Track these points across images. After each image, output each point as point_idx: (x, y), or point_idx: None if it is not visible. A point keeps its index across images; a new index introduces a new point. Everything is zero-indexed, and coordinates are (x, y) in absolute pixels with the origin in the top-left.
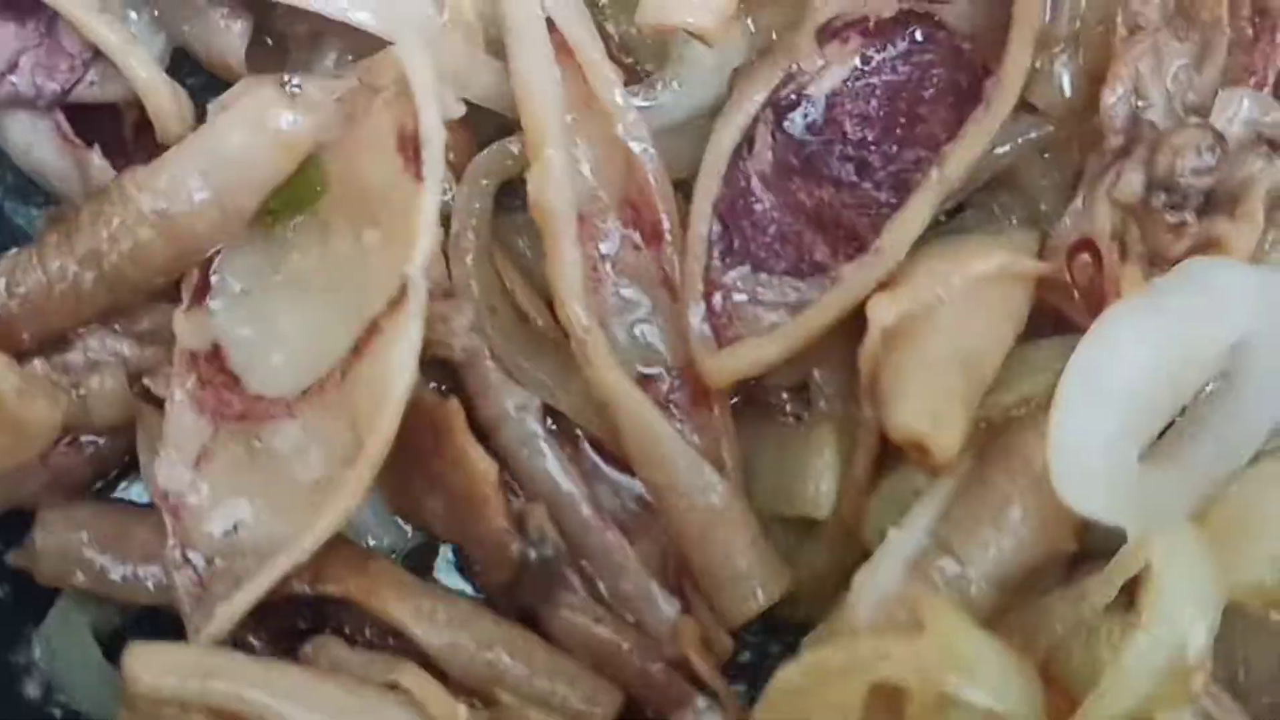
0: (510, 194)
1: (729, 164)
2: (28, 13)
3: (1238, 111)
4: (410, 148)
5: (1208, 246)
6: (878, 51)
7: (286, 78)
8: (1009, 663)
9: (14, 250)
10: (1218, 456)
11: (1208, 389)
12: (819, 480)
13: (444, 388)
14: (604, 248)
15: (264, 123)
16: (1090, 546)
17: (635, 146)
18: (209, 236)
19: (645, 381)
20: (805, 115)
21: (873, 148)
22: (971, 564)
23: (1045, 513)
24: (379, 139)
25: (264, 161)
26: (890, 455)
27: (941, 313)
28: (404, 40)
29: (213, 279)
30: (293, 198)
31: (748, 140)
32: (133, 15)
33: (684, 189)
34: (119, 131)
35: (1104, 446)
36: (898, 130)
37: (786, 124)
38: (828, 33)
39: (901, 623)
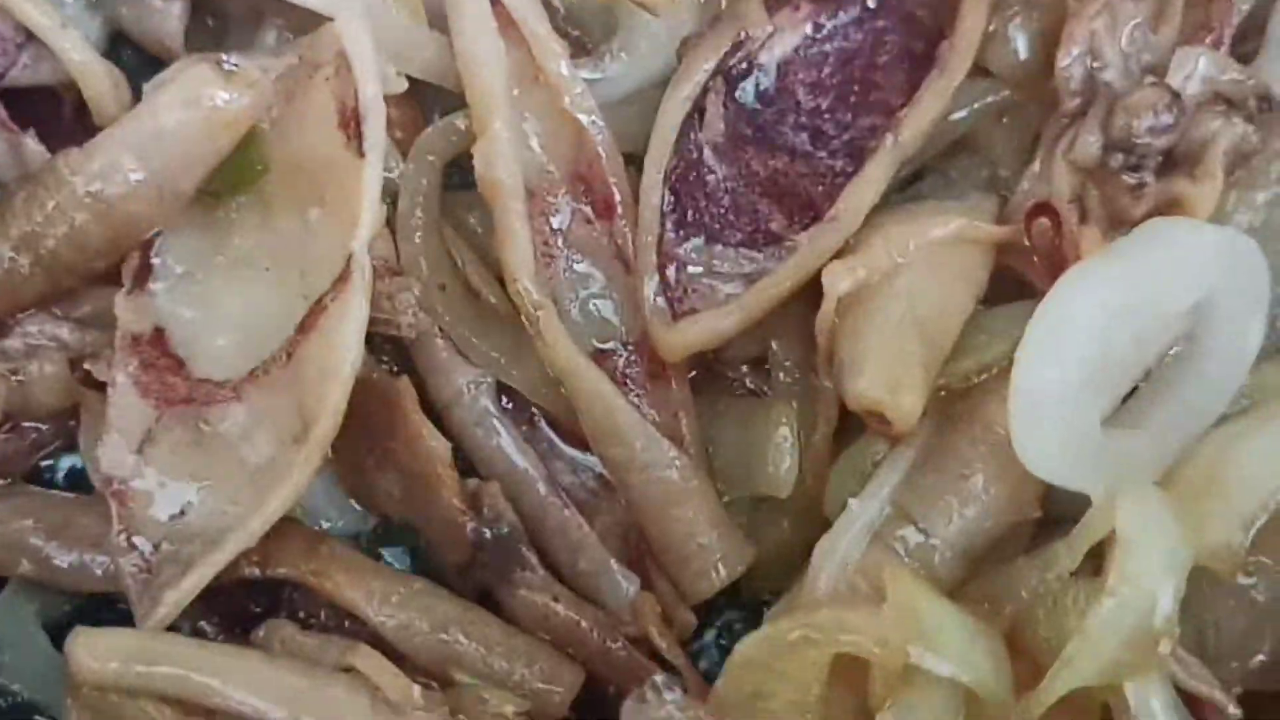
0: (459, 170)
1: (680, 135)
2: None
3: (1194, 70)
4: (352, 123)
5: (1168, 207)
6: (829, 18)
7: (223, 56)
8: (973, 631)
9: None
10: (1183, 419)
11: (1172, 351)
12: (779, 461)
13: (394, 367)
14: (555, 222)
15: (200, 101)
16: (1055, 512)
17: (584, 119)
18: (147, 218)
19: (600, 357)
20: (757, 84)
21: (826, 115)
22: (934, 532)
23: (1008, 479)
24: (320, 116)
25: (201, 141)
26: (851, 425)
27: (899, 279)
28: (344, 15)
29: (154, 261)
30: (233, 177)
31: (699, 110)
32: None
33: (635, 162)
34: (57, 114)
35: (1066, 411)
36: (851, 97)
37: (738, 93)
38: None
39: (863, 593)
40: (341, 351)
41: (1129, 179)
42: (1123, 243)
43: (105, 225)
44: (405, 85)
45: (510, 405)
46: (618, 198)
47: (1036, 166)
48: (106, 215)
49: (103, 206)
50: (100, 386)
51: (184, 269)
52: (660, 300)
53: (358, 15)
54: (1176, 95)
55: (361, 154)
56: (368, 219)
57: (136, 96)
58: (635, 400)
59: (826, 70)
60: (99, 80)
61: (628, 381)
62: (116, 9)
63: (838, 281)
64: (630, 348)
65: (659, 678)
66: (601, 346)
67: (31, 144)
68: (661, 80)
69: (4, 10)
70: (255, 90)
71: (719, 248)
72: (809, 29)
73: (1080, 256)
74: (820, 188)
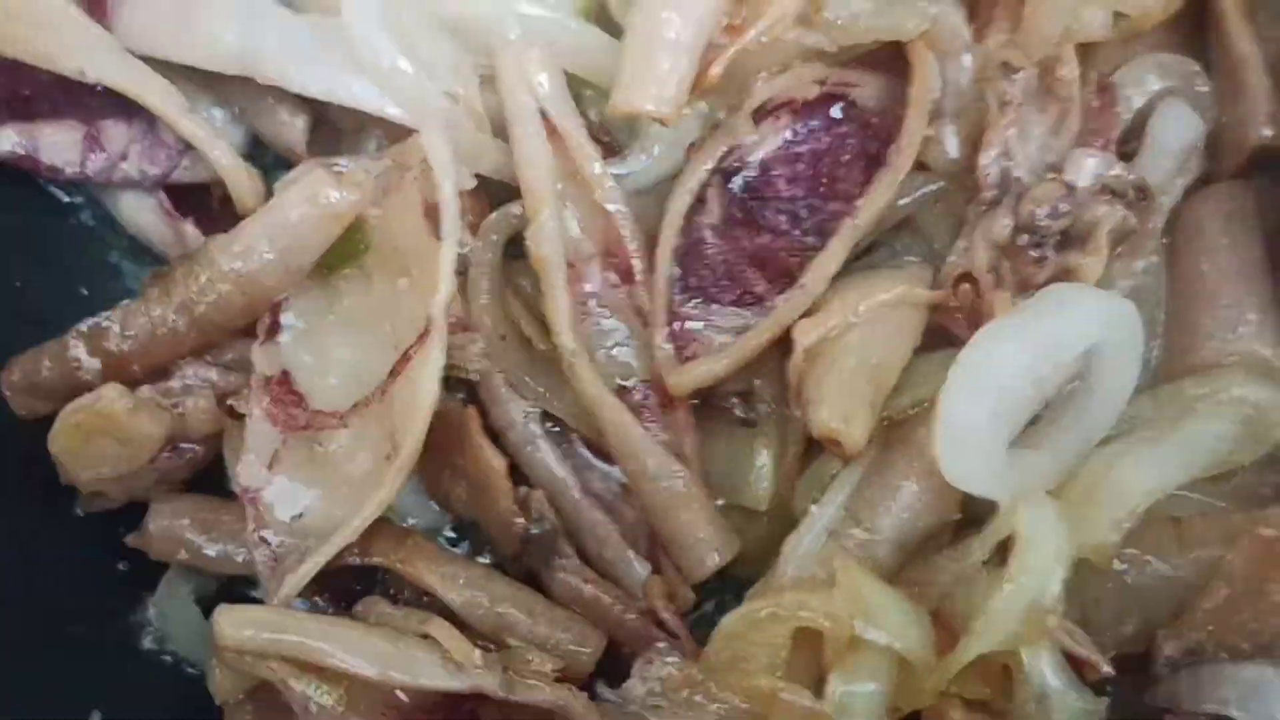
0: (515, 245)
1: (685, 219)
2: (134, 114)
3: (1086, 168)
4: (433, 213)
5: (1064, 275)
6: (803, 126)
7: (336, 161)
8: (906, 609)
9: (126, 301)
10: (1073, 442)
11: (1066, 388)
12: (759, 481)
13: (464, 399)
14: (588, 287)
15: (318, 198)
16: (971, 515)
17: (612, 207)
18: (276, 287)
19: (622, 392)
20: (746, 178)
21: (800, 202)
22: (877, 531)
23: (935, 489)
24: (409, 206)
25: (319, 228)
26: (814, 447)
27: (852, 333)
28: (427, 127)
29: (281, 319)
30: (342, 254)
31: (700, 199)
32: (216, 113)
33: (652, 238)
34: (209, 205)
35: (980, 436)
36: (820, 188)
37: (731, 185)
38: (762, 113)
39: (820, 579)
40: (424, 391)
41: (1033, 253)
42: (1028, 304)
43: (244, 294)
44: (474, 182)
45: (554, 428)
46: (637, 267)
47: (962, 243)
48: (245, 286)
49: (243, 280)
50: (240, 417)
51: (304, 325)
52: (669, 348)
53: (438, 128)
54: (1071, 189)
55: (440, 236)
56: (445, 287)
57: (270, 191)
58: (649, 426)
59: (801, 166)
60: (241, 180)
61: (643, 411)
62: (254, 121)
63: (805, 336)
64: (645, 385)
65: (662, 644)
66: (623, 384)
67: (190, 229)
68: (672, 175)
69: (170, 125)
70: (360, 188)
71: (715, 306)
72: (788, 134)
73: (994, 315)
74: (795, 259)
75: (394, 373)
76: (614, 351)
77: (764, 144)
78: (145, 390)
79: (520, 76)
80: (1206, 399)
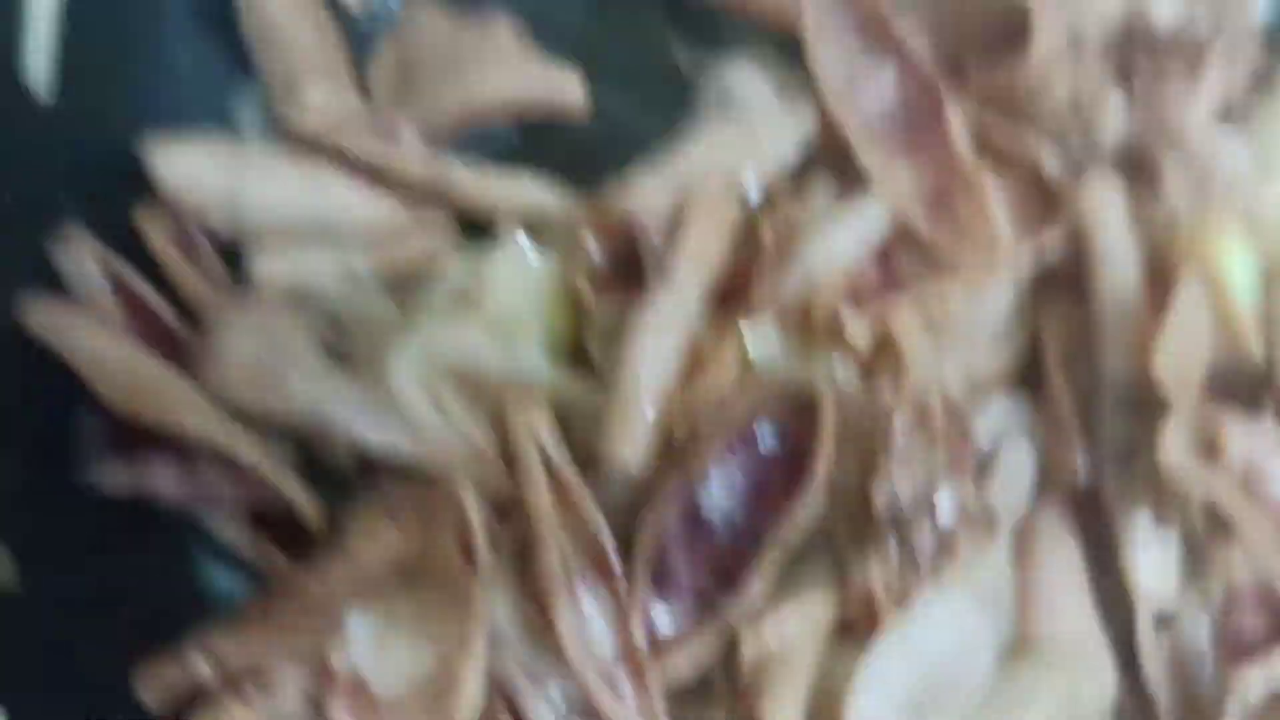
0: None
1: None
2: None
3: (952, 501)
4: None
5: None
6: (740, 454)
7: None
8: None
9: None
10: None
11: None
12: None
13: None
14: (580, 591)
15: None
16: None
17: (599, 531)
18: None
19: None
20: (697, 501)
21: (739, 516)
22: None
23: None
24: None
25: None
26: None
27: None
28: (464, 491)
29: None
30: None
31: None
32: None
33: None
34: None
35: None
36: (755, 506)
37: (685, 505)
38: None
39: None
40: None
41: (912, 571)
42: (906, 621)
43: None
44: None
45: None
46: (617, 572)
47: (859, 567)
48: None
49: None
50: None
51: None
52: (640, 634)
53: (470, 488)
54: (939, 518)
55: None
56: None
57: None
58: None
59: (739, 488)
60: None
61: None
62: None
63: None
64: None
65: None
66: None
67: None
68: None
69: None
70: None
71: (678, 604)
72: (729, 463)
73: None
74: (738, 566)
75: None
76: (597, 634)
77: (711, 474)
78: None
79: (526, 428)
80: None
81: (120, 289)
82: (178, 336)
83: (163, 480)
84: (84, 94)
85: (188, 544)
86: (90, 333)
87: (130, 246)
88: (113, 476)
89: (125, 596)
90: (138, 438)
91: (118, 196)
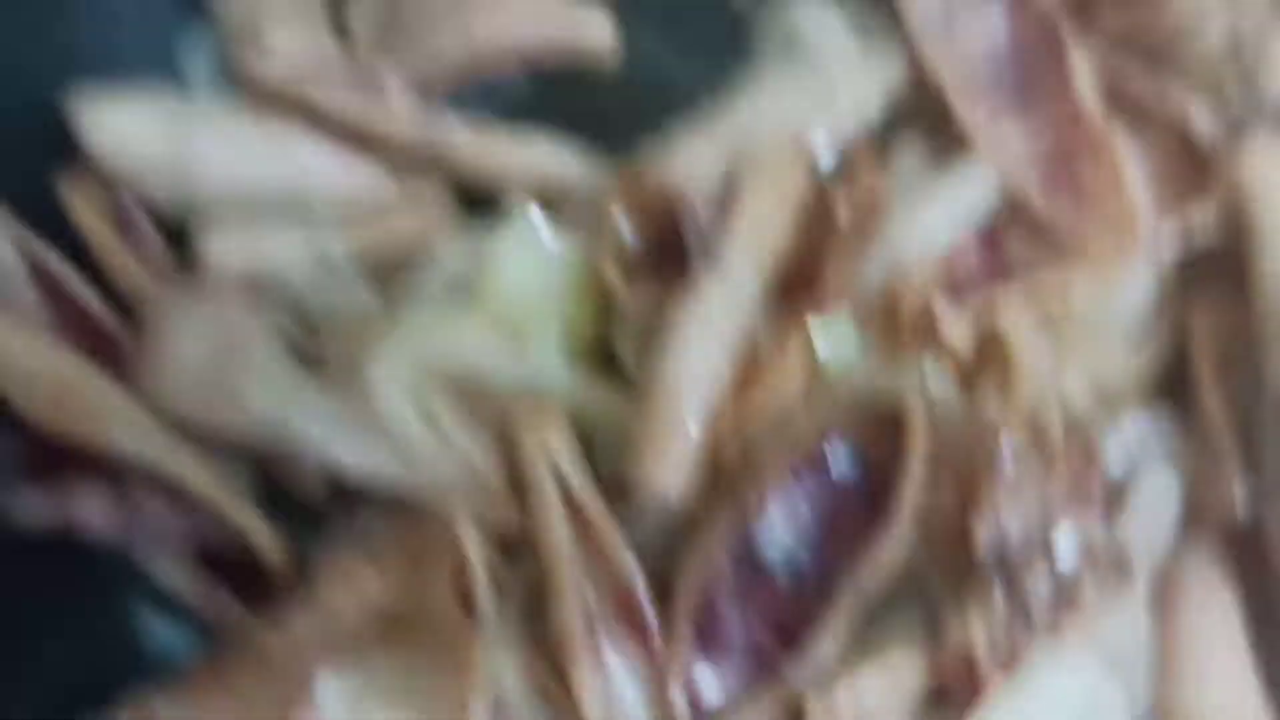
0: None
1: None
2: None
3: (1073, 541)
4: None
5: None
6: (806, 485)
7: None
8: None
9: None
10: None
11: None
12: None
13: None
14: (604, 643)
15: None
16: None
17: (627, 571)
18: None
19: None
20: (753, 542)
21: (805, 561)
22: None
23: None
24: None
25: None
26: None
27: None
28: (459, 522)
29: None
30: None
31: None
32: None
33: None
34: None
35: None
36: (824, 547)
37: (740, 548)
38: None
39: None
40: None
41: (1023, 627)
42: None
43: None
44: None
45: None
46: (652, 625)
47: (958, 619)
48: None
49: None
50: None
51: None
52: (683, 701)
53: (467, 519)
54: (1058, 562)
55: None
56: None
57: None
58: None
59: (804, 525)
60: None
61: None
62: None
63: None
64: None
65: None
66: None
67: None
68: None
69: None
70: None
71: (726, 664)
72: (792, 495)
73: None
74: (802, 621)
75: None
76: (626, 701)
77: (770, 506)
78: None
79: (540, 449)
80: None
81: (40, 277)
82: (110, 335)
83: (91, 511)
84: None
85: (122, 590)
86: (2, 331)
87: (53, 224)
88: (30, 507)
89: (43, 655)
90: (60, 459)
91: (38, 163)
